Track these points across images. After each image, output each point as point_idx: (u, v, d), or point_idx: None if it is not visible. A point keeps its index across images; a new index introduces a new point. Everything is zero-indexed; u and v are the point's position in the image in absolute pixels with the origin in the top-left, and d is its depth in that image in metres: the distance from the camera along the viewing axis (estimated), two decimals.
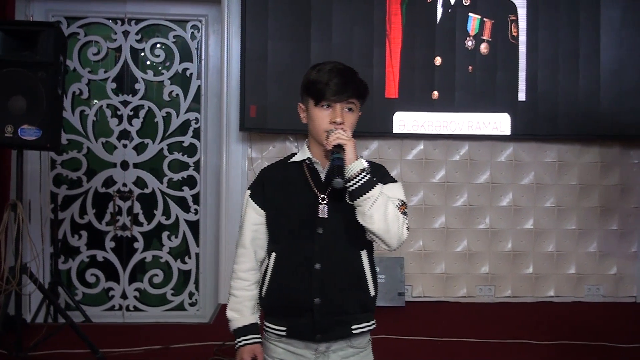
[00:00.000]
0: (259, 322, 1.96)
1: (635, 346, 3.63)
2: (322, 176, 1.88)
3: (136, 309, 4.69)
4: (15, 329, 3.18)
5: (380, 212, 1.74)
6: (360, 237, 1.83)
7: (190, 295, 4.73)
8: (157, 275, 4.70)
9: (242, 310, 1.94)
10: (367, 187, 1.75)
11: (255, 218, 1.94)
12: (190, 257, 4.72)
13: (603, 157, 4.66)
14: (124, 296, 4.67)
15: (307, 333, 1.87)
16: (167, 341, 3.65)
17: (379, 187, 1.76)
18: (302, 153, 1.92)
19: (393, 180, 1.91)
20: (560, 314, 4.35)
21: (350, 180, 1.74)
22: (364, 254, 1.89)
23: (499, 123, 4.47)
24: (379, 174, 1.85)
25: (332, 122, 1.81)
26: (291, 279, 1.87)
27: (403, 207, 1.84)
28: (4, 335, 3.23)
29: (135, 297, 4.68)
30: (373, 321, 1.94)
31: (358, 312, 1.90)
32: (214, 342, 3.56)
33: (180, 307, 4.72)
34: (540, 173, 4.64)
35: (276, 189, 1.92)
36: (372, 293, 1.91)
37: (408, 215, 1.85)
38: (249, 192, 1.97)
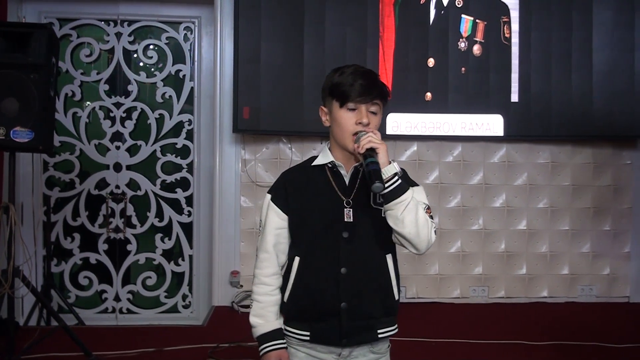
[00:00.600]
0: (282, 327, 1.93)
1: (628, 346, 3.64)
2: (347, 180, 1.87)
3: (129, 311, 4.67)
4: (8, 332, 3.16)
5: (412, 216, 1.75)
6: (386, 241, 1.84)
7: (184, 297, 4.72)
8: (150, 277, 4.69)
9: (267, 315, 1.91)
10: (400, 191, 1.76)
11: (277, 222, 1.91)
12: (183, 259, 4.71)
13: (595, 157, 4.68)
14: (117, 299, 4.65)
15: (333, 338, 1.86)
16: (161, 343, 3.64)
17: (410, 192, 1.78)
18: (324, 156, 1.91)
19: (415, 184, 1.93)
20: (554, 314, 4.36)
21: (384, 184, 1.74)
22: (389, 257, 1.89)
23: (492, 124, 4.48)
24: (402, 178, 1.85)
25: (359, 123, 1.81)
26: (317, 283, 1.85)
27: (429, 210, 1.85)
28: None
29: (128, 299, 4.67)
30: (396, 325, 1.95)
31: (383, 316, 1.89)
32: (208, 345, 3.56)
33: (173, 309, 4.71)
34: (533, 174, 4.65)
35: (299, 192, 1.91)
36: (397, 297, 1.91)
37: (434, 219, 1.86)
38: (269, 196, 1.94)
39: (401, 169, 1.84)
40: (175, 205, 4.72)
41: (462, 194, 4.60)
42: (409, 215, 1.75)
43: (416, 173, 4.53)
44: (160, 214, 4.70)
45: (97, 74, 4.66)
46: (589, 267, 4.68)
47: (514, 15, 4.49)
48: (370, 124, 1.82)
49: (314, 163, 1.93)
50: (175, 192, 4.71)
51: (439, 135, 4.48)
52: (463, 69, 4.47)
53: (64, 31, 4.61)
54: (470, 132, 4.48)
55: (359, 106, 1.82)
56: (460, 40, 4.49)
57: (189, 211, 4.72)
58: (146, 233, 4.70)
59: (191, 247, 4.71)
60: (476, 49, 4.49)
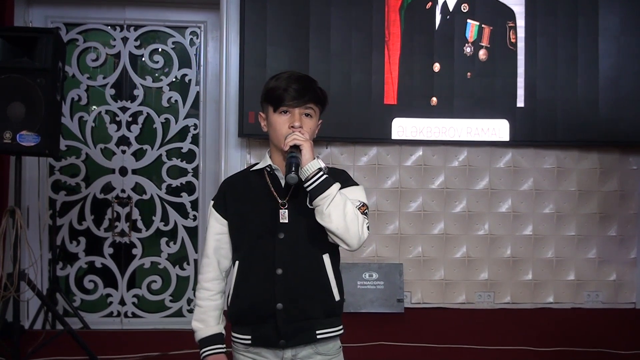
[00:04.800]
0: (224, 332, 1.97)
1: (634, 352, 3.63)
2: (283, 182, 1.90)
3: (134, 315, 4.68)
4: (13, 335, 3.17)
5: (339, 210, 1.76)
6: (323, 241, 1.85)
7: (189, 301, 4.71)
8: (155, 281, 4.69)
9: (207, 320, 1.95)
10: (324, 185, 1.77)
11: (217, 227, 1.97)
12: (188, 264, 4.71)
13: (602, 163, 4.66)
14: (122, 302, 4.66)
15: (272, 340, 1.87)
16: (166, 348, 3.64)
17: (336, 186, 1.79)
18: (264, 161, 1.96)
19: (355, 184, 1.95)
20: (560, 320, 4.34)
21: (308, 180, 1.77)
22: (326, 257, 1.90)
23: (498, 129, 4.47)
24: (341, 179, 1.89)
25: (291, 126, 1.84)
26: (254, 285, 1.88)
27: (363, 207, 1.86)
28: (1, 342, 3.23)
29: (133, 303, 4.67)
30: (340, 327, 1.95)
31: (322, 317, 1.90)
32: None
33: (178, 314, 4.71)
34: (539, 179, 4.63)
35: (237, 197, 1.95)
36: (337, 298, 1.92)
37: (369, 217, 1.88)
38: (212, 202, 2.00)
39: (331, 170, 1.87)
40: (180, 209, 4.73)
41: (468, 199, 4.59)
42: (335, 210, 1.75)
43: (421, 178, 4.53)
44: (165, 218, 4.71)
45: (103, 78, 4.68)
46: (595, 273, 4.65)
47: (520, 20, 4.49)
48: (304, 127, 1.85)
49: (254, 168, 1.98)
50: (181, 196, 4.72)
51: (444, 140, 4.48)
52: (469, 73, 4.47)
53: (70, 36, 4.63)
54: (476, 137, 4.47)
55: (292, 110, 1.86)
56: (466, 45, 4.48)
57: (194, 215, 4.72)
58: (151, 237, 4.71)
59: (196, 251, 4.71)
60: (482, 54, 4.49)
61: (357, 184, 1.95)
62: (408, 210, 4.52)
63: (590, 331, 4.06)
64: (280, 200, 1.89)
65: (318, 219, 1.78)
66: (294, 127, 1.84)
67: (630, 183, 4.68)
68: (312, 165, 1.77)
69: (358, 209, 1.82)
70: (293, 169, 1.75)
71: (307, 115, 1.88)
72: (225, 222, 1.95)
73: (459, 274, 4.57)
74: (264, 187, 1.92)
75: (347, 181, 1.92)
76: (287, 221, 1.87)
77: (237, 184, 1.99)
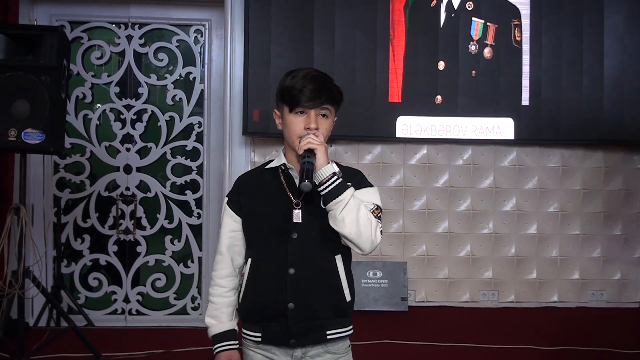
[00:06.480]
0: (237, 328, 1.98)
1: (639, 352, 3.62)
2: (297, 181, 1.88)
3: (139, 312, 4.68)
4: (18, 332, 3.18)
5: (352, 215, 1.76)
6: (335, 242, 1.85)
7: (193, 299, 4.72)
8: (159, 279, 4.70)
9: (220, 316, 1.97)
10: (338, 190, 1.76)
11: (231, 225, 1.96)
12: (193, 261, 4.72)
13: (607, 162, 4.64)
14: (126, 300, 4.67)
15: (282, 338, 1.88)
16: (170, 345, 3.65)
17: (350, 191, 1.79)
18: (278, 159, 1.96)
19: (369, 185, 1.94)
20: (564, 319, 4.33)
21: (321, 184, 1.76)
22: (338, 258, 1.90)
23: (502, 128, 4.46)
24: (355, 180, 1.89)
25: (307, 128, 1.83)
26: (266, 284, 1.88)
27: (377, 211, 1.86)
28: (6, 339, 3.24)
29: (137, 301, 4.68)
30: (350, 327, 1.96)
31: (332, 317, 1.91)
32: None
33: (182, 311, 4.72)
34: (544, 178, 4.62)
35: (251, 195, 1.95)
36: (348, 298, 1.92)
37: (383, 220, 1.87)
38: (226, 199, 2.00)
39: (347, 170, 1.88)
40: (184, 207, 4.73)
41: (472, 197, 4.59)
42: (349, 215, 1.75)
43: (426, 176, 4.52)
44: (170, 216, 4.71)
45: (108, 76, 4.69)
46: (600, 272, 4.64)
47: (525, 18, 4.47)
48: (319, 128, 1.84)
49: (268, 166, 1.98)
50: (185, 194, 4.73)
51: (449, 139, 4.47)
52: (473, 72, 4.46)
53: (75, 34, 4.64)
54: (481, 136, 4.46)
55: (307, 111, 1.85)
56: (471, 43, 4.47)
57: (198, 213, 4.73)
58: (156, 235, 4.71)
59: (200, 249, 4.72)
60: (487, 52, 4.48)
61: (372, 185, 1.95)
62: (412, 208, 4.51)
63: (595, 330, 4.05)
64: (294, 200, 1.89)
65: (331, 223, 1.78)
66: (309, 128, 1.83)
67: (635, 182, 4.66)
68: (326, 169, 1.77)
69: (372, 212, 1.81)
70: (305, 176, 1.73)
71: (323, 115, 1.87)
72: (239, 219, 1.95)
73: (463, 272, 4.56)
74: (278, 186, 1.92)
75: (361, 182, 1.92)
76: (300, 221, 1.87)
77: (252, 182, 1.99)
